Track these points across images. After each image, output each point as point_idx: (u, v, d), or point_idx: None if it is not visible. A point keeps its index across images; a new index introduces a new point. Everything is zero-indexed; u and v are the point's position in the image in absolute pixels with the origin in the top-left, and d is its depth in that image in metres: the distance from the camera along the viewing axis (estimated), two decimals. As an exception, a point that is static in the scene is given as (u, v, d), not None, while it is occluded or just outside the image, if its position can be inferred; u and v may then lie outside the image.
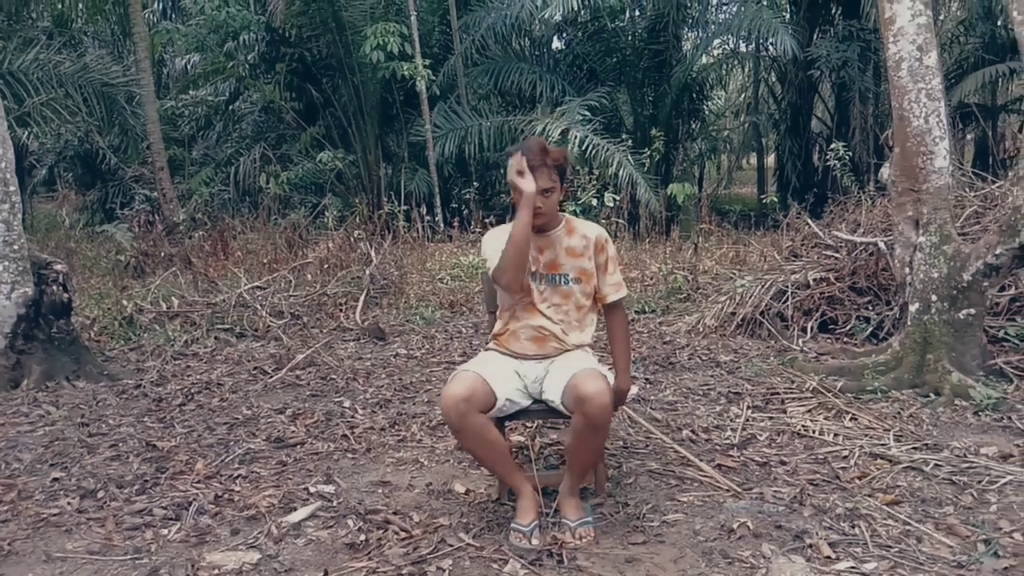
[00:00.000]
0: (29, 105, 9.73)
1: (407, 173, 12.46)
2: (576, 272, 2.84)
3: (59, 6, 13.66)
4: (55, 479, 3.32)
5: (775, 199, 11.66)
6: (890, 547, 2.48)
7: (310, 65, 12.90)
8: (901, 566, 2.37)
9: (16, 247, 4.68)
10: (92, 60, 11.04)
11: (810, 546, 2.50)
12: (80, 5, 13.62)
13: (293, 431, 3.88)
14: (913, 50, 4.18)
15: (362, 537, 2.67)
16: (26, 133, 11.27)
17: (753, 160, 23.06)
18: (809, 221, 6.72)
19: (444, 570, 2.43)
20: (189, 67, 16.41)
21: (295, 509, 2.94)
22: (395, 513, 2.85)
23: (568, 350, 2.87)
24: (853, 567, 2.35)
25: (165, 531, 2.80)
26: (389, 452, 3.57)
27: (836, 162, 8.85)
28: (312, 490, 3.12)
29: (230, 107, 15.26)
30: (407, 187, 12.02)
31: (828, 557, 2.43)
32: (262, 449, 3.65)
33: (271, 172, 12.01)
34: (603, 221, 9.03)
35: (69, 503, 3.06)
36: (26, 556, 2.66)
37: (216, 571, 2.50)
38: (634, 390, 4.22)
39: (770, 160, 19.82)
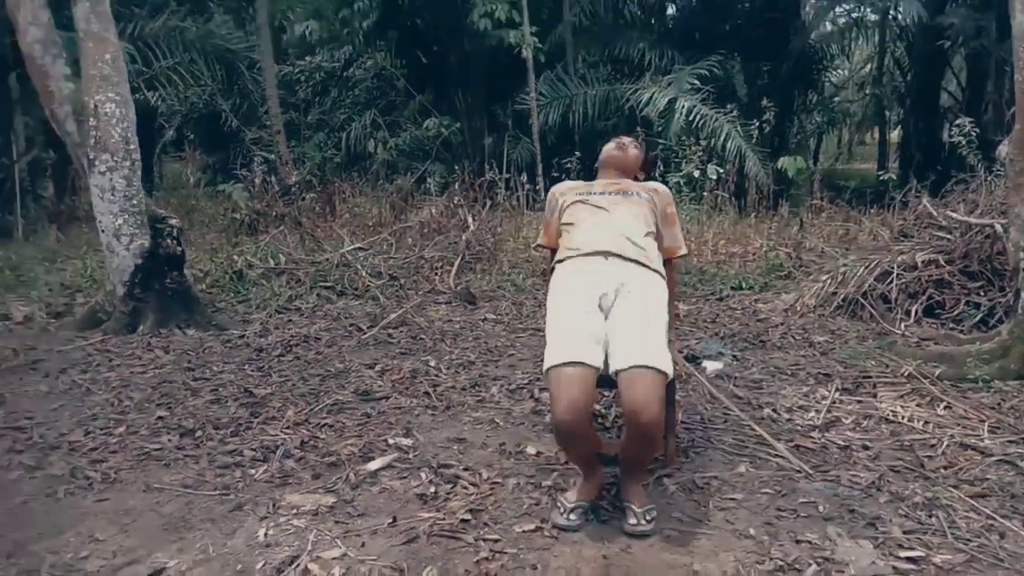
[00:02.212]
0: (156, 68, 10.30)
1: (511, 141, 12.50)
2: (648, 192, 2.99)
3: (188, -27, 14.32)
4: (159, 417, 3.58)
5: (893, 176, 11.11)
6: (968, 540, 2.38)
7: (421, 32, 13.07)
8: (978, 561, 2.27)
9: (135, 202, 5.01)
10: (215, 26, 11.54)
11: (882, 532, 2.43)
12: (207, -28, 14.24)
13: (380, 385, 4.03)
14: (1043, 18, 3.88)
15: (432, 489, 2.78)
16: (154, 96, 11.94)
17: (878, 134, 21.93)
18: (924, 200, 6.38)
19: (498, 520, 2.50)
20: (307, 33, 16.90)
21: (373, 459, 3.07)
22: (466, 469, 2.94)
23: (644, 264, 2.74)
24: (923, 556, 2.27)
25: (252, 471, 2.99)
26: (468, 411, 3.66)
27: (962, 139, 8.34)
28: (391, 442, 3.25)
29: (344, 73, 15.66)
30: (510, 155, 12.07)
31: (900, 545, 2.35)
32: (349, 401, 3.81)
33: (380, 138, 12.31)
34: (706, 194, 8.85)
35: (170, 440, 3.31)
36: (129, 485, 2.90)
37: (295, 511, 2.65)
38: (719, 366, 4.19)
39: (895, 135, 18.82)
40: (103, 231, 5.00)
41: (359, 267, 6.82)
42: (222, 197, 11.49)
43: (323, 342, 4.97)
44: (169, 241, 5.13)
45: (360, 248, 7.41)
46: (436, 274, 6.86)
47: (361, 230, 8.61)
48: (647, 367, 2.36)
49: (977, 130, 8.91)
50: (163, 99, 12.29)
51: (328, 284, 6.53)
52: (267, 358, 4.61)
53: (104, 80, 4.84)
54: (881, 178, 12.03)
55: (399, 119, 13.55)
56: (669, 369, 2.44)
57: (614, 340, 2.50)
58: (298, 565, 2.30)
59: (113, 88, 4.85)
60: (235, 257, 6.96)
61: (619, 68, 14.11)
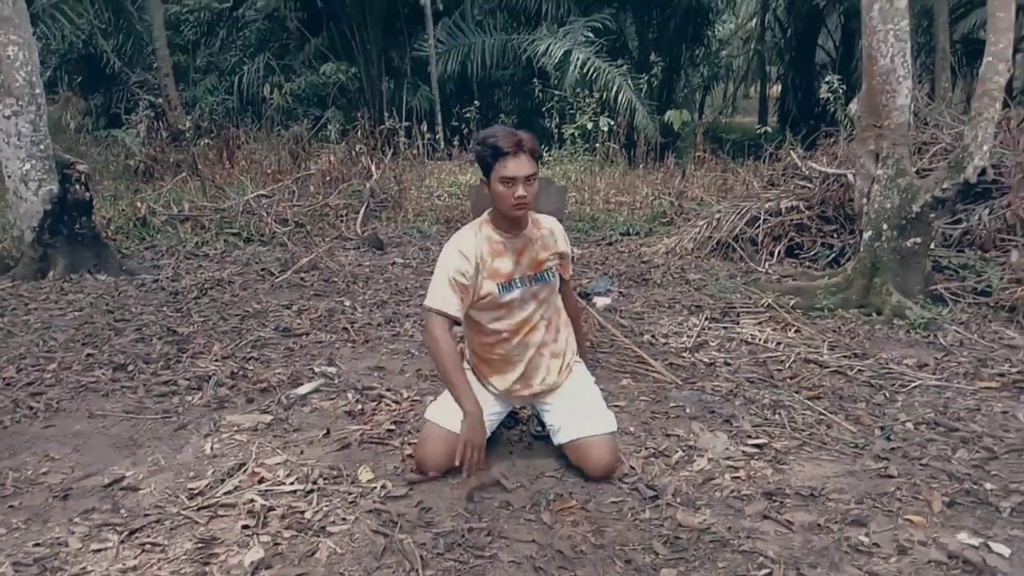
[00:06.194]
0: (37, 6, 9.88)
1: (409, 89, 12.64)
2: (555, 260, 2.68)
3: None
4: (89, 355, 3.78)
5: (769, 129, 11.92)
6: (803, 431, 2.95)
7: (315, -27, 12.92)
8: (808, 445, 2.83)
9: (42, 147, 5.03)
10: (100, -38, 11.11)
11: (736, 427, 2.96)
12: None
13: (299, 323, 4.33)
14: (884, -7, 4.45)
15: (359, 407, 3.14)
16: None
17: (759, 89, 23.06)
18: (792, 152, 7.05)
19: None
20: (194, -30, 16.27)
21: (302, 384, 3.40)
22: (388, 390, 3.32)
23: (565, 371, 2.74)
24: (766, 443, 2.82)
25: (189, 398, 3.27)
26: (384, 344, 4.02)
27: (830, 95, 9.12)
28: (317, 370, 3.58)
29: (234, 13, 15.24)
30: (409, 103, 12.21)
31: (748, 436, 2.89)
32: (271, 337, 4.10)
33: (275, 83, 12.20)
34: (598, 146, 9.35)
35: (103, 374, 3.53)
36: (72, 413, 3.14)
37: (235, 428, 2.97)
38: (607, 301, 4.68)
39: (776, 90, 19.87)
40: (9, 176, 5.01)
41: (264, 214, 6.97)
42: (110, 142, 11.20)
43: (237, 285, 5.19)
44: (77, 187, 5.18)
45: (263, 195, 7.53)
46: (342, 221, 7.10)
47: (261, 177, 8.66)
48: (606, 437, 2.61)
49: (844, 87, 9.73)
50: (40, 38, 11.75)
51: (234, 231, 6.68)
52: (184, 300, 4.80)
53: (5, 22, 4.81)
54: (759, 131, 12.90)
55: (293, 63, 13.39)
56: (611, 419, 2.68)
57: (560, 412, 2.70)
58: (246, 470, 2.63)
59: (16, 30, 4.83)
60: (137, 204, 6.98)
61: (516, 17, 14.34)
